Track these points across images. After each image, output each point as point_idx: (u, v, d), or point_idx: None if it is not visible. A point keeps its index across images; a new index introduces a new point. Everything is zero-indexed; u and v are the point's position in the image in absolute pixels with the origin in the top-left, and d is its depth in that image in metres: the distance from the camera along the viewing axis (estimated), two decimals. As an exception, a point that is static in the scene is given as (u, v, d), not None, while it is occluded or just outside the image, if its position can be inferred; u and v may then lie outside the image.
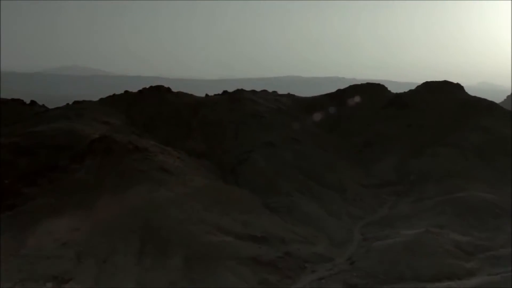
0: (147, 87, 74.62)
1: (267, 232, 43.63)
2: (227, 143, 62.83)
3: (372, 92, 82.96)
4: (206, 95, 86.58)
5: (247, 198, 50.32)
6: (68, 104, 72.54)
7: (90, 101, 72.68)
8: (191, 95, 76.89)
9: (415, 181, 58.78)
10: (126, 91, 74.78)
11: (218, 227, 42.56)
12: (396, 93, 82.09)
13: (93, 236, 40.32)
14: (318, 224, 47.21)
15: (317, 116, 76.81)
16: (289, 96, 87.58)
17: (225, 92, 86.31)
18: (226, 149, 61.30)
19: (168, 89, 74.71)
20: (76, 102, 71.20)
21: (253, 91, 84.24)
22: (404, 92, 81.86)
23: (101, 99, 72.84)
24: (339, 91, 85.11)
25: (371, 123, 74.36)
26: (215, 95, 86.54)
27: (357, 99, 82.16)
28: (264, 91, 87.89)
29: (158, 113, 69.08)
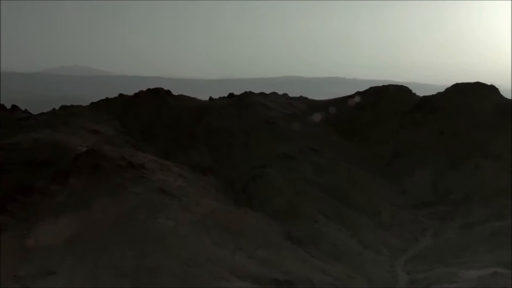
0: (144, 89, 65.61)
1: (291, 273, 34.71)
2: (236, 155, 53.93)
3: (395, 94, 73.96)
4: (210, 98, 77.70)
5: (264, 226, 41.41)
6: (54, 109, 63.63)
7: (79, 106, 63.77)
8: (194, 98, 67.92)
9: (457, 201, 49.89)
10: (120, 94, 65.82)
11: (231, 268, 33.64)
12: (424, 96, 72.98)
13: (73, 282, 31.60)
14: (352, 260, 38.33)
15: (335, 122, 67.96)
16: (302, 99, 78.59)
17: (231, 94, 77.33)
18: (236, 163, 52.41)
19: (168, 92, 65.76)
20: (63, 107, 62.28)
21: (263, 94, 75.30)
22: (432, 95, 72.74)
23: (92, 104, 63.87)
24: (358, 93, 76.12)
25: (397, 130, 65.40)
26: (220, 98, 77.56)
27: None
28: (274, 94, 78.90)
29: (156, 119, 60.18)
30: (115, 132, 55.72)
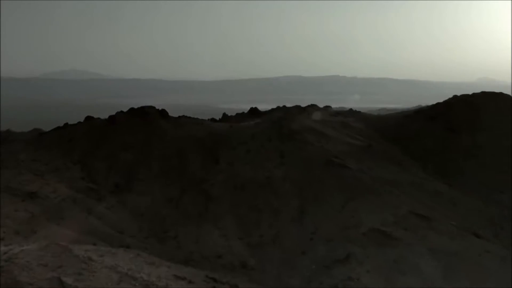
0: (125, 110, 40.43)
1: None
2: (287, 233, 28.98)
3: (496, 106, 49.06)
4: (225, 116, 52.69)
5: None
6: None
7: (21, 134, 38.73)
8: (202, 121, 42.61)
9: None
10: (88, 118, 40.67)
11: None
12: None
13: None
14: None
15: (421, 153, 43.20)
16: (354, 114, 53.64)
17: (253, 110, 52.31)
18: (290, 252, 27.61)
19: (162, 112, 40.59)
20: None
21: (299, 109, 50.36)
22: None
23: (40, 136, 38.80)
24: (439, 106, 51.12)
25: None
26: (237, 115, 52.63)
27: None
28: (314, 108, 53.95)
29: (144, 162, 35.24)
30: (71, 190, 30.59)
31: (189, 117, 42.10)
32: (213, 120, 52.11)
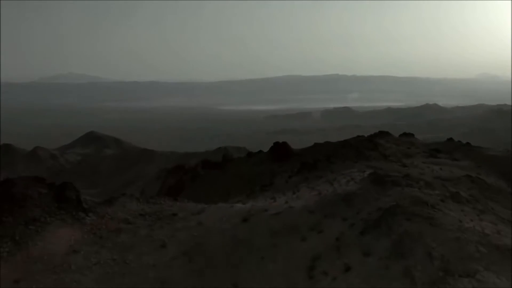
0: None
1: None
2: None
3: None
4: (225, 159, 27.64)
5: None
6: None
7: None
8: (181, 208, 16.47)
9: None
10: None
11: None
12: None
13: None
14: None
15: None
16: (458, 149, 28.88)
17: (280, 149, 27.35)
18: None
19: (66, 192, 14.78)
20: None
21: (372, 146, 25.58)
22: None
23: None
24: None
25: None
26: (252, 160, 27.67)
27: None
28: (387, 139, 29.13)
29: None
30: None
31: (152, 199, 16.19)
32: (204, 166, 27.31)
